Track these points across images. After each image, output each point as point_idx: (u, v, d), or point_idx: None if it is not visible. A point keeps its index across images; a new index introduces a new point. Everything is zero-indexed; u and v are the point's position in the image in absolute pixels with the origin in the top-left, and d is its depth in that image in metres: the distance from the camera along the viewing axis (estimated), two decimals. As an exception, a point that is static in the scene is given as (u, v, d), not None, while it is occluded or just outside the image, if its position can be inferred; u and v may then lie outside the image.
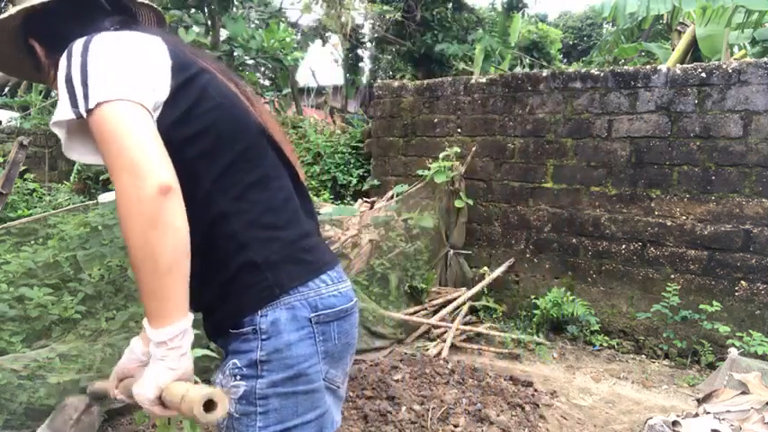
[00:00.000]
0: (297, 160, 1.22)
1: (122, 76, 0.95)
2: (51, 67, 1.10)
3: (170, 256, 0.89)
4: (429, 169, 4.92)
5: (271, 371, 1.04)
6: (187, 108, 1.02)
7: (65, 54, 0.98)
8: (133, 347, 1.26)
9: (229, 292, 1.06)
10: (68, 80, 0.94)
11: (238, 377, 1.05)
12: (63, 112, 0.94)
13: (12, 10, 1.07)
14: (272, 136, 1.16)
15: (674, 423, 2.56)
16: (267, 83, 12.05)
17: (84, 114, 0.92)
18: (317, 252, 1.15)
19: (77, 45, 0.98)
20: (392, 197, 5.21)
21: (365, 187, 5.95)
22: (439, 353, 4.00)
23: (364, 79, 12.06)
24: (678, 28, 7.12)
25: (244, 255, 1.04)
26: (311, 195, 1.28)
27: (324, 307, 1.09)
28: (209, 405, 0.86)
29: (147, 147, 0.90)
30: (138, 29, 1.09)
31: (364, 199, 5.70)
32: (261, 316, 1.04)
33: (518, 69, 9.83)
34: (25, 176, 6.46)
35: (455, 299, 4.68)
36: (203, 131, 1.03)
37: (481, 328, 4.41)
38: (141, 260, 0.89)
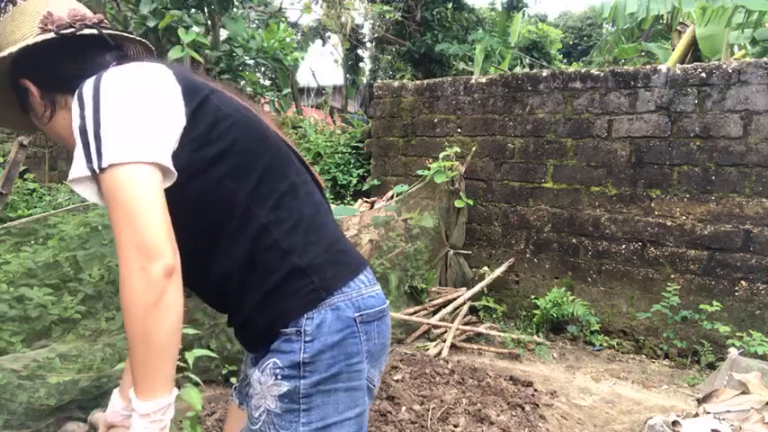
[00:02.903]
0: (311, 165, 1.23)
1: (136, 129, 0.93)
2: (48, 106, 1.08)
3: (165, 336, 0.90)
4: (429, 169, 4.92)
5: (314, 371, 1.05)
6: (206, 129, 1.02)
7: (75, 100, 0.96)
8: (113, 401, 1.28)
9: (274, 299, 1.06)
10: (83, 131, 0.93)
11: (279, 377, 1.05)
12: (78, 168, 0.93)
13: (5, 51, 1.03)
14: (291, 145, 1.18)
15: (674, 423, 2.57)
16: (267, 83, 12.04)
17: (97, 171, 0.91)
18: (351, 253, 1.18)
19: (87, 89, 0.96)
20: (392, 197, 5.21)
21: (365, 187, 5.95)
22: (439, 353, 4.00)
23: (364, 79, 12.06)
24: (678, 28, 7.12)
25: (288, 261, 1.05)
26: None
27: (365, 307, 1.11)
28: None
29: (157, 225, 0.90)
30: (141, 59, 1.09)
31: (364, 199, 5.70)
32: (306, 318, 1.05)
33: (518, 69, 9.83)
34: (25, 176, 6.46)
35: (455, 299, 4.68)
36: (228, 149, 1.04)
37: (481, 328, 4.41)
38: (136, 335, 0.90)
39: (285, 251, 1.05)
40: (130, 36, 1.16)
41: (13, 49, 1.02)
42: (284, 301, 1.05)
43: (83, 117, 0.93)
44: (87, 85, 0.96)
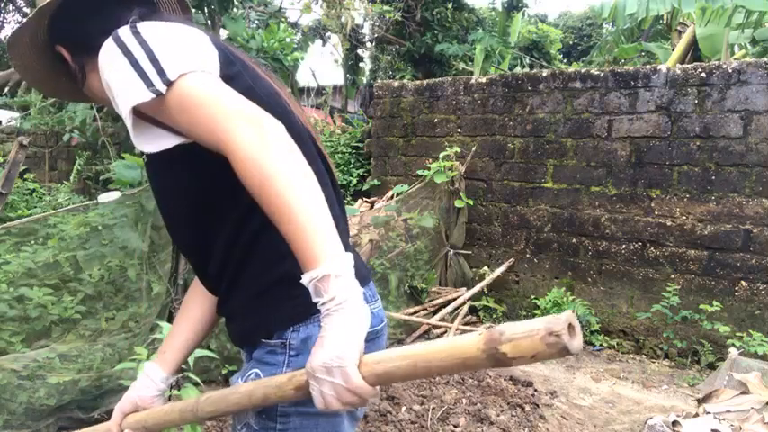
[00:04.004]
0: (332, 165, 1.16)
1: (190, 50, 0.92)
2: (78, 71, 1.08)
3: (312, 176, 0.86)
4: (429, 169, 4.92)
5: None
6: None
7: (111, 45, 0.92)
8: (149, 373, 1.15)
9: (262, 302, 1.00)
10: (134, 63, 0.89)
11: None
12: (137, 95, 0.88)
13: (32, 14, 1.03)
14: (316, 139, 1.12)
15: (674, 423, 2.57)
16: (267, 83, 12.00)
17: (164, 89, 0.87)
18: (356, 265, 1.11)
19: (124, 32, 0.93)
20: (392, 197, 5.21)
21: (365, 187, 5.95)
22: (439, 353, 3.99)
23: (364, 79, 12.05)
24: (678, 28, 7.12)
25: (283, 266, 0.97)
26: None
27: None
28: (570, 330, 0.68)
29: (248, 101, 0.88)
30: (168, 20, 1.04)
31: (364, 199, 5.70)
32: (293, 331, 0.98)
33: (518, 69, 9.83)
34: (25, 176, 6.46)
35: (455, 299, 4.68)
36: None
37: (481, 328, 4.40)
38: (288, 189, 0.82)
39: (283, 254, 0.93)
40: None
41: (31, 15, 1.02)
42: (271, 307, 0.99)
43: (128, 52, 0.90)
44: (122, 29, 0.93)
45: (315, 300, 0.83)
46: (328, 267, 0.81)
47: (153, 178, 1.09)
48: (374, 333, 1.06)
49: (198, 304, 1.21)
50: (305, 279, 0.83)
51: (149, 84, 0.87)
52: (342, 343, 0.78)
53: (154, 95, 0.87)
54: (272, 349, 0.99)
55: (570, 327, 0.68)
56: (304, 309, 0.96)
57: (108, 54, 0.93)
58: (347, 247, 1.09)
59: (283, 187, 0.82)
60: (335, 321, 0.80)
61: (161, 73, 0.87)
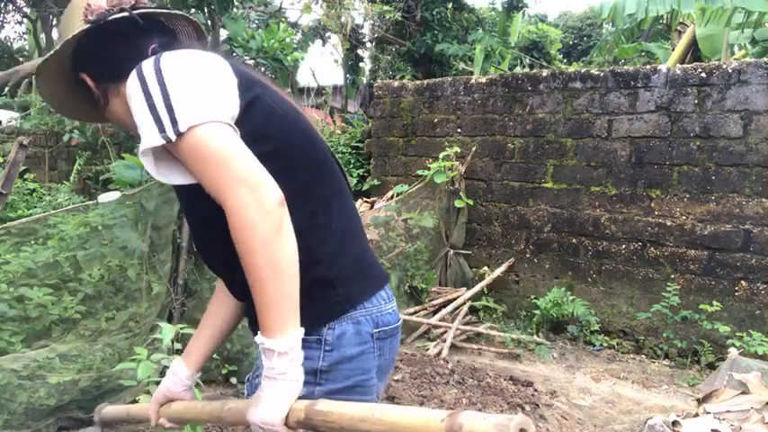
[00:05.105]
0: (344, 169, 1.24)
1: (205, 98, 0.96)
2: (101, 97, 1.12)
3: (292, 263, 0.93)
4: (429, 169, 4.92)
5: (329, 380, 1.06)
6: (260, 125, 1.03)
7: (135, 80, 0.97)
8: (176, 370, 1.25)
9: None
10: (151, 106, 0.94)
11: None
12: (150, 139, 0.94)
13: (57, 46, 1.09)
14: (330, 149, 1.19)
15: (674, 423, 2.57)
16: (267, 83, 11.98)
17: (174, 138, 0.92)
18: (377, 266, 1.19)
19: (147, 69, 0.97)
20: (392, 197, 5.21)
21: (365, 187, 5.95)
22: (439, 353, 4.00)
23: (364, 79, 12.04)
24: (678, 28, 7.13)
25: (316, 270, 1.05)
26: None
27: (383, 324, 1.13)
28: None
29: (256, 164, 0.93)
30: (187, 46, 1.09)
31: (364, 199, 5.70)
32: (328, 329, 1.06)
33: (518, 69, 9.83)
34: (25, 176, 6.45)
35: (455, 299, 4.68)
36: (279, 149, 1.04)
37: (481, 328, 4.41)
38: (265, 268, 0.91)
39: (314, 259, 1.04)
40: (173, 12, 1.15)
41: (57, 47, 1.07)
42: (308, 308, 1.03)
43: (147, 93, 0.95)
44: (147, 65, 0.98)
45: (262, 359, 0.96)
46: (278, 344, 0.93)
47: (183, 199, 1.16)
48: (392, 330, 1.16)
49: (224, 305, 1.28)
50: (258, 339, 0.96)
51: (161, 129, 0.93)
52: (271, 408, 0.93)
53: (164, 142, 0.93)
54: (307, 345, 1.05)
55: (522, 431, 0.74)
56: (339, 308, 1.07)
57: (132, 87, 0.98)
58: (364, 247, 1.18)
59: (264, 264, 0.91)
60: (271, 388, 0.94)
61: (173, 122, 0.93)
